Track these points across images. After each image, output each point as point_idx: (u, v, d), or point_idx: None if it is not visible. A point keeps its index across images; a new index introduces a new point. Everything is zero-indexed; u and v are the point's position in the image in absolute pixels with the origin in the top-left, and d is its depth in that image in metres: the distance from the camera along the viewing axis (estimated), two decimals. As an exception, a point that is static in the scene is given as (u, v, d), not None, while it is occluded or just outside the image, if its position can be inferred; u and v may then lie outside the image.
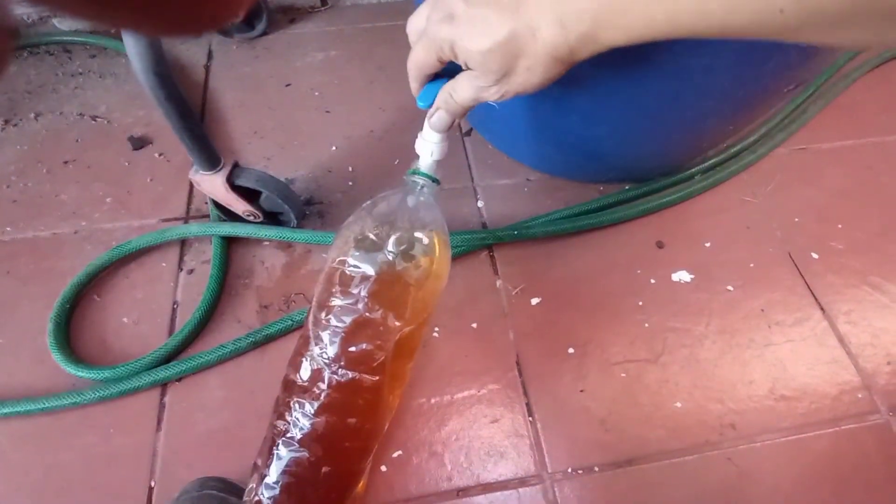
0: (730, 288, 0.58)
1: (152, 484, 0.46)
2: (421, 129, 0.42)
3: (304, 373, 0.40)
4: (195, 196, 0.65)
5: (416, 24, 0.36)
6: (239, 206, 0.56)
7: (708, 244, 0.62)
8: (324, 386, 0.39)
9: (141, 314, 0.56)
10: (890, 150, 0.71)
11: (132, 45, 0.41)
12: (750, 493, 0.47)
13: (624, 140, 0.56)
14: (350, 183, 0.66)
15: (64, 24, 0.82)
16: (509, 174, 0.68)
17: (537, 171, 0.68)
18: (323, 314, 0.41)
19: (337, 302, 0.40)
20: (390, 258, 0.40)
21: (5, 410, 0.49)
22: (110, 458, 0.47)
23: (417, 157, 0.43)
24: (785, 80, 0.49)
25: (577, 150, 0.59)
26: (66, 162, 0.67)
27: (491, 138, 0.70)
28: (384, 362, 0.40)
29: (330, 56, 0.81)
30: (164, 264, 0.59)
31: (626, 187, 0.65)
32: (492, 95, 0.34)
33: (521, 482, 0.47)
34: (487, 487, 0.47)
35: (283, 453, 0.39)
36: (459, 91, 0.36)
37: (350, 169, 0.68)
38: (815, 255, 0.61)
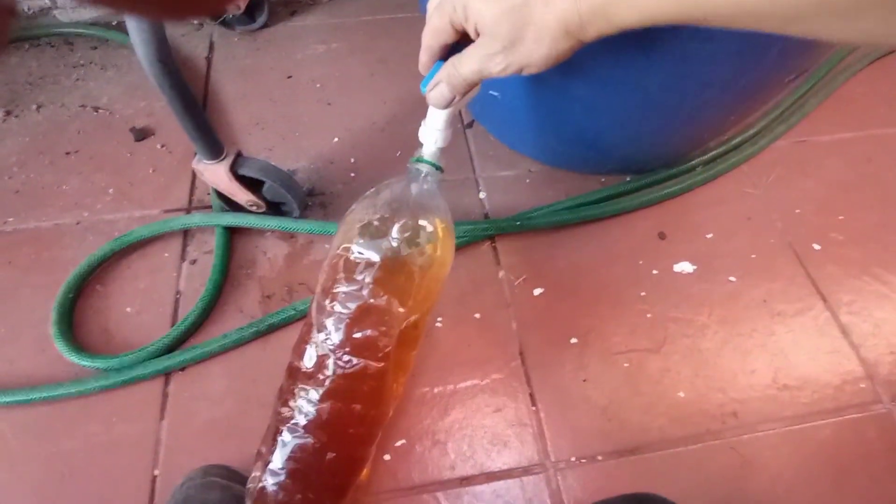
0: (731, 278, 0.59)
1: (156, 472, 0.46)
2: (423, 119, 0.42)
3: (309, 360, 0.40)
4: (197, 187, 0.65)
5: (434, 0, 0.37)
6: (242, 195, 0.56)
7: (709, 235, 0.62)
8: (328, 372, 0.40)
9: (144, 304, 0.56)
10: (890, 142, 0.71)
11: (136, 33, 0.41)
12: (752, 481, 0.47)
13: (625, 130, 0.56)
14: (352, 174, 0.66)
15: (65, 15, 0.81)
16: (511, 165, 0.68)
17: (539, 162, 0.68)
18: (327, 301, 0.41)
19: (342, 289, 0.40)
20: (395, 245, 0.40)
21: (7, 399, 0.49)
22: (113, 447, 0.48)
23: (421, 145, 0.43)
24: (787, 70, 0.49)
25: (578, 140, 0.59)
26: (67, 153, 0.67)
27: (493, 129, 0.70)
28: (389, 349, 0.40)
29: (331, 48, 0.81)
30: (166, 254, 0.59)
31: (628, 179, 0.66)
32: (496, 66, 0.35)
33: (525, 471, 0.47)
34: (491, 476, 0.47)
35: (288, 440, 0.39)
36: (464, 62, 0.36)
37: (352, 160, 0.68)
38: (816, 246, 0.61)
